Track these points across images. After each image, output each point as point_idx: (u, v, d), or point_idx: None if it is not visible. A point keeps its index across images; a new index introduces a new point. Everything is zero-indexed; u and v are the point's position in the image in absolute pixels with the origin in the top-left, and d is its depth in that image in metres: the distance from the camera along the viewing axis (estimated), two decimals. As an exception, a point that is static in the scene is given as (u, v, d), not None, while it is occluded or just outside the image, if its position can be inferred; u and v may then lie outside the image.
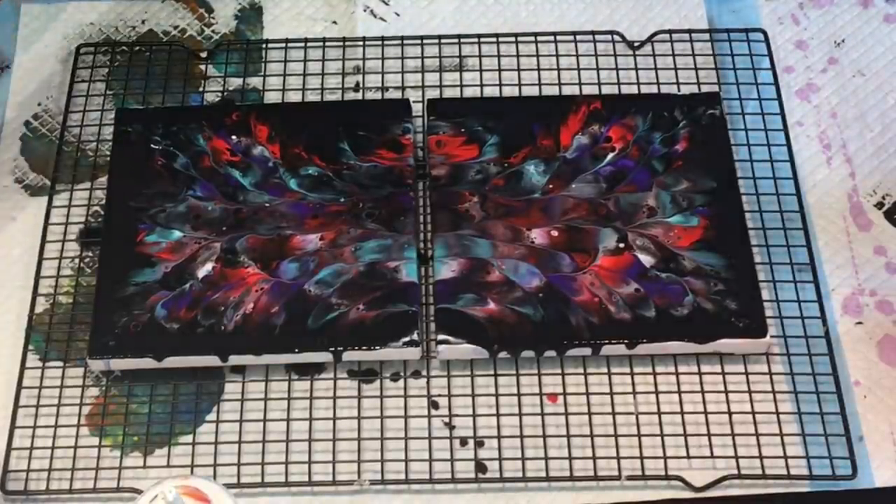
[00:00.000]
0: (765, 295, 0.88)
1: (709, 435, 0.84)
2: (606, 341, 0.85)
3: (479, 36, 1.02)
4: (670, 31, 1.01)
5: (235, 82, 1.01)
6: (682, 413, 0.85)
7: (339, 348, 0.85)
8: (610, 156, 0.93)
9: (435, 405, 0.86)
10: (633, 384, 0.86)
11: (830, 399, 0.85)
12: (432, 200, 0.92)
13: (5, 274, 0.93)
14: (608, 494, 0.83)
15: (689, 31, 1.01)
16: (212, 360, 0.85)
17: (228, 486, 0.80)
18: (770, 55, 1.00)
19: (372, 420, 0.85)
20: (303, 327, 0.86)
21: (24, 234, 0.94)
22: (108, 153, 0.95)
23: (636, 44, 1.01)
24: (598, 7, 1.05)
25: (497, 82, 1.00)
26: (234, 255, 0.89)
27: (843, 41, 1.03)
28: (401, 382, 0.87)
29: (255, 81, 1.01)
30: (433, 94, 0.99)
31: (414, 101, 0.97)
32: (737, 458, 0.83)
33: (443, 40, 1.02)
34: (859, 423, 0.86)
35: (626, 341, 0.85)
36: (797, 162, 0.95)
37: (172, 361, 0.85)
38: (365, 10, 1.05)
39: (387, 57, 1.01)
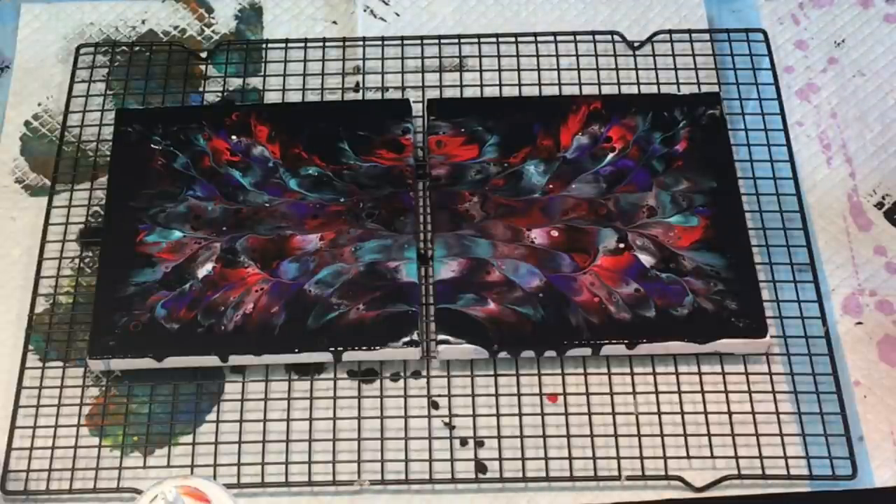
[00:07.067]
0: (765, 295, 0.88)
1: (709, 435, 0.84)
2: (606, 341, 0.85)
3: (479, 36, 1.02)
4: (670, 31, 1.01)
5: (235, 82, 1.01)
6: (682, 413, 0.85)
7: (339, 348, 0.85)
8: (610, 156, 0.93)
9: (435, 405, 0.86)
10: (633, 384, 0.86)
11: (830, 399, 0.85)
12: (432, 200, 0.92)
13: (5, 274, 0.93)
14: (608, 494, 0.83)
15: (689, 32, 1.01)
16: (212, 360, 0.85)
17: (228, 486, 0.80)
18: (770, 55, 1.00)
19: (372, 420, 0.85)
20: (303, 327, 0.86)
21: (24, 234, 0.94)
22: (108, 153, 0.95)
23: (636, 44, 1.01)
24: (598, 7, 1.05)
25: (497, 82, 1.00)
26: (234, 255, 0.89)
27: (843, 41, 1.03)
28: (401, 382, 0.87)
29: (255, 81, 1.01)
30: (433, 94, 0.99)
31: (414, 101, 0.97)
32: (737, 458, 0.83)
33: (443, 40, 1.02)
34: (859, 423, 0.85)
35: (626, 341, 0.85)
36: (797, 162, 0.95)
37: (172, 361, 0.85)
38: (365, 10, 1.05)
39: (387, 57, 1.01)
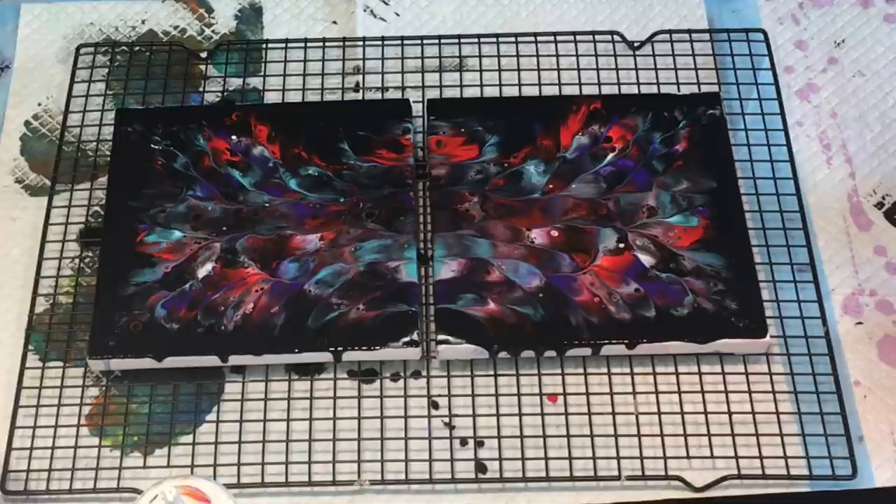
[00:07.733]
0: (765, 295, 0.88)
1: (709, 435, 0.84)
2: (606, 341, 0.85)
3: (479, 36, 1.02)
4: (670, 32, 1.01)
5: (235, 82, 1.01)
6: (682, 413, 0.85)
7: (339, 348, 0.85)
8: (610, 156, 0.93)
9: (435, 405, 0.86)
10: (633, 384, 0.86)
11: (830, 399, 0.85)
12: (432, 200, 0.92)
13: (5, 274, 0.93)
14: (608, 494, 0.83)
15: (689, 32, 1.01)
16: (212, 360, 0.85)
17: (228, 486, 0.80)
18: (770, 55, 1.00)
19: (372, 420, 0.85)
20: (303, 327, 0.86)
21: (24, 234, 0.94)
22: (108, 153, 0.95)
23: (636, 44, 1.01)
24: (598, 7, 1.05)
25: (497, 82, 1.00)
26: (234, 255, 0.89)
27: (843, 41, 1.03)
28: (401, 382, 0.87)
29: (255, 81, 1.01)
30: (433, 94, 0.99)
31: (414, 101, 0.97)
32: (737, 458, 0.83)
33: (443, 40, 1.02)
34: (859, 423, 0.85)
35: (626, 341, 0.85)
36: (797, 162, 0.95)
37: (172, 361, 0.85)
38: (365, 10, 1.05)
39: (387, 57, 1.01)
